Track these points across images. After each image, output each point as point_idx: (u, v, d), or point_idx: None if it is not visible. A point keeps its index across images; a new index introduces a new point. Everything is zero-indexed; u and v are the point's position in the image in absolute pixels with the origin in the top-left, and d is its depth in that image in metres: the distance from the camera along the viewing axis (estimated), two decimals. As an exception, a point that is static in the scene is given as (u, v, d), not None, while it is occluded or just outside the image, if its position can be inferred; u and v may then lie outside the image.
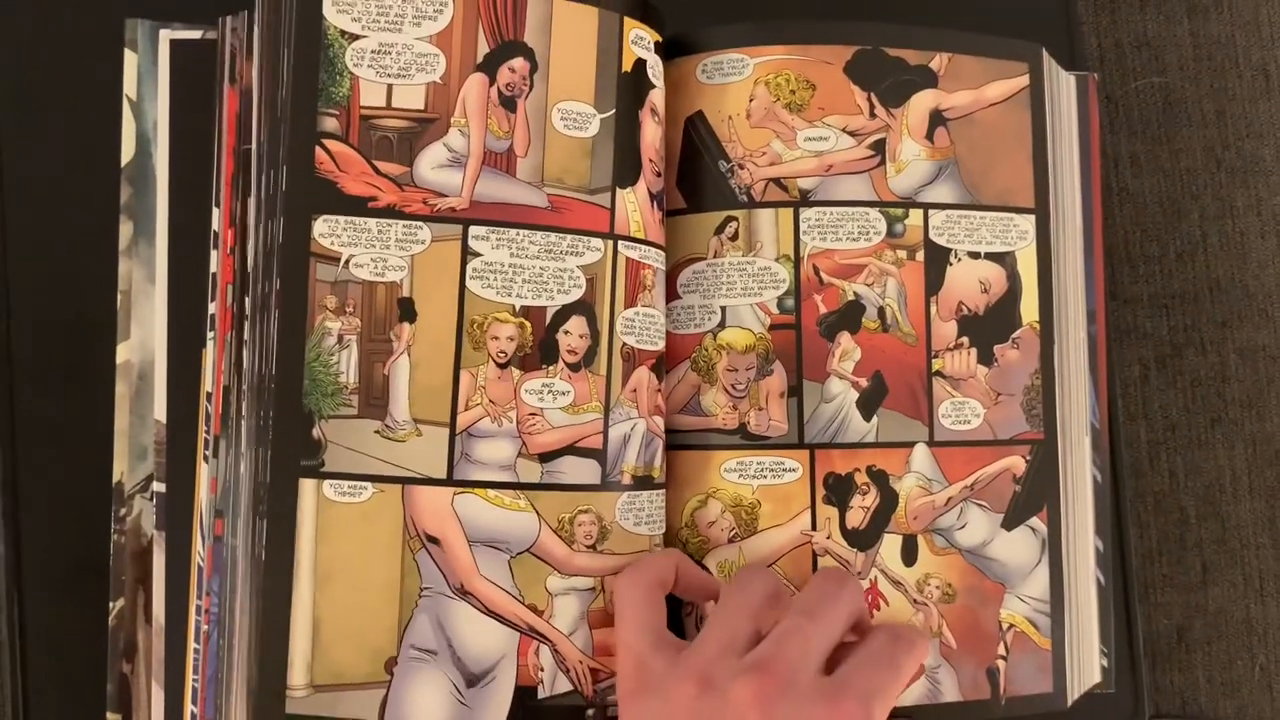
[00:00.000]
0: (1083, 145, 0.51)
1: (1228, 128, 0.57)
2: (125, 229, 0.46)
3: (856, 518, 0.46)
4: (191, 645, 0.43)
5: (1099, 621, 0.49)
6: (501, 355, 0.42)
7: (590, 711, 0.41)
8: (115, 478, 0.45)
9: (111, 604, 0.44)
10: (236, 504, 0.42)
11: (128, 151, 0.46)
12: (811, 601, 0.39)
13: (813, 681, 0.36)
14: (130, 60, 0.46)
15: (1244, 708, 0.54)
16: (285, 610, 0.41)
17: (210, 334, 0.44)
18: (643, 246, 0.45)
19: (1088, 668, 0.49)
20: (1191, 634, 0.54)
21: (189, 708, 0.43)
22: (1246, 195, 0.57)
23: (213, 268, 0.44)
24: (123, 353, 0.45)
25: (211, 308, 0.44)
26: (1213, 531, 0.55)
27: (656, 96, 0.46)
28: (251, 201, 0.43)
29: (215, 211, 0.44)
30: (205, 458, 0.43)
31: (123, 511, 0.45)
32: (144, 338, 0.45)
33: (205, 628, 0.42)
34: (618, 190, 0.44)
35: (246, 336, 0.43)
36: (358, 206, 0.42)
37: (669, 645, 0.40)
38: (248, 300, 0.43)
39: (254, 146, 0.43)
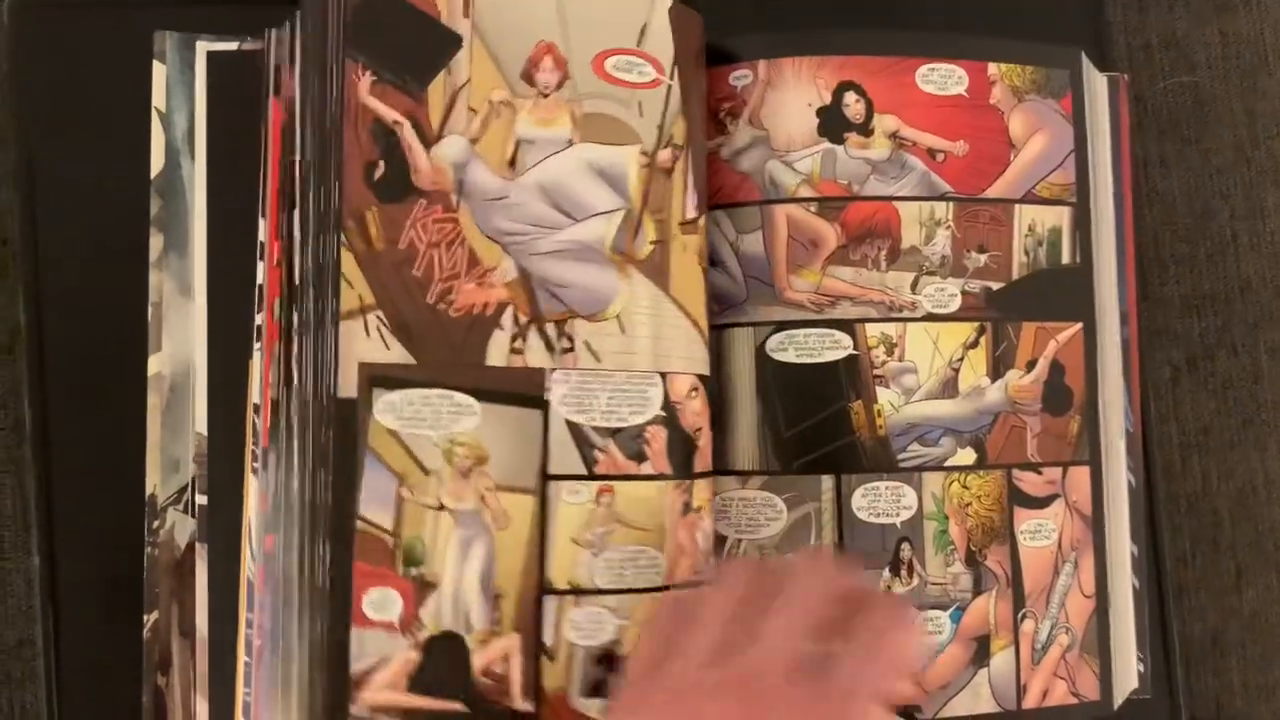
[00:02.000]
0: (1114, 146, 0.50)
1: (1258, 127, 0.57)
2: (155, 241, 0.46)
3: None
4: (241, 658, 0.43)
5: (1135, 626, 0.49)
6: None
7: None
8: (148, 490, 0.45)
9: (146, 617, 0.44)
10: (290, 522, 0.42)
11: (157, 163, 0.46)
12: (844, 616, 0.37)
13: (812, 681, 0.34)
14: (159, 72, 0.46)
15: (1280, 712, 0.54)
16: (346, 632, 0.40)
17: (257, 345, 0.44)
18: None
19: (1125, 674, 0.48)
20: (1226, 637, 0.54)
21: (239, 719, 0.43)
22: (1278, 194, 0.57)
23: (259, 279, 0.44)
24: (154, 364, 0.45)
25: (258, 319, 0.44)
26: (1246, 534, 0.55)
27: None
28: (296, 214, 0.43)
29: (261, 223, 0.44)
30: (254, 470, 0.43)
31: (156, 524, 0.45)
32: (175, 349, 0.45)
33: (258, 642, 0.42)
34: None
35: (296, 351, 0.42)
36: None
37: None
38: (296, 314, 0.42)
39: (298, 159, 0.43)
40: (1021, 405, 0.47)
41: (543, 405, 0.42)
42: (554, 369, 0.42)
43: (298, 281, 0.42)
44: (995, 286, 0.47)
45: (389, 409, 0.41)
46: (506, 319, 0.42)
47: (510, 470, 0.42)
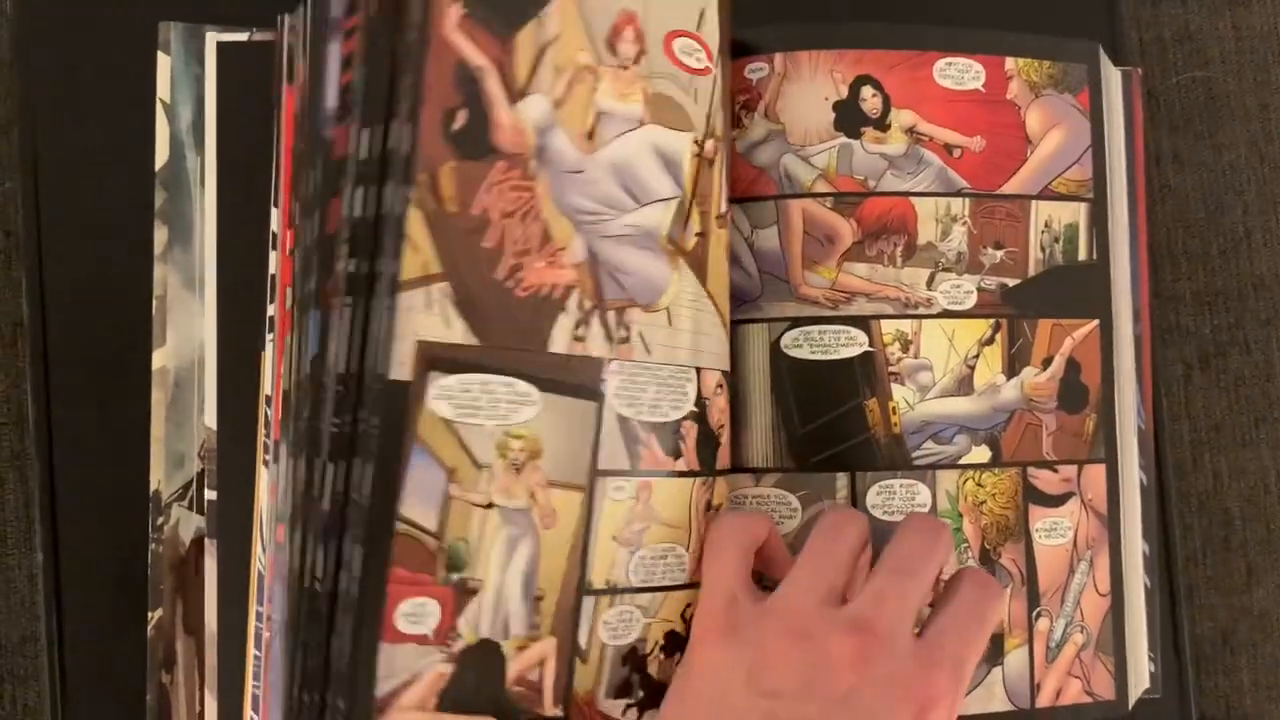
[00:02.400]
0: (1127, 141, 0.50)
1: (1271, 121, 0.56)
2: (160, 234, 0.45)
3: None
4: (251, 652, 0.43)
5: (1147, 626, 0.49)
6: None
7: None
8: (152, 486, 0.44)
9: (150, 614, 0.44)
10: (311, 520, 0.41)
11: (161, 156, 0.45)
12: (908, 559, 0.39)
13: (909, 644, 0.36)
14: (163, 63, 0.45)
15: (1291, 711, 0.54)
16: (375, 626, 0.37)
17: (269, 336, 0.43)
18: None
19: (1139, 674, 0.48)
20: (1236, 637, 0.54)
21: (249, 714, 0.43)
22: (1291, 191, 0.56)
23: (271, 269, 0.43)
24: (159, 359, 0.45)
25: (270, 309, 0.43)
26: (1257, 533, 0.54)
27: None
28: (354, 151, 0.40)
29: (274, 212, 0.43)
30: (265, 463, 0.42)
31: (160, 520, 0.44)
32: (180, 344, 0.45)
33: (267, 635, 0.41)
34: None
35: (340, 320, 0.40)
36: None
37: (758, 593, 0.39)
38: (330, 278, 0.40)
39: (329, 104, 0.41)
40: (1037, 403, 0.47)
41: (599, 397, 0.39)
42: (611, 359, 0.40)
43: (347, 237, 0.37)
44: (1011, 283, 0.47)
45: (444, 395, 0.37)
46: (572, 303, 0.39)
47: (563, 465, 0.39)
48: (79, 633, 0.44)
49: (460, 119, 0.37)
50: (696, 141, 0.42)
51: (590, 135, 0.40)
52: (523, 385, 0.38)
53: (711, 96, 0.43)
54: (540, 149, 0.39)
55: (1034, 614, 0.46)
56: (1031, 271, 0.47)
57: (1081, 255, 0.48)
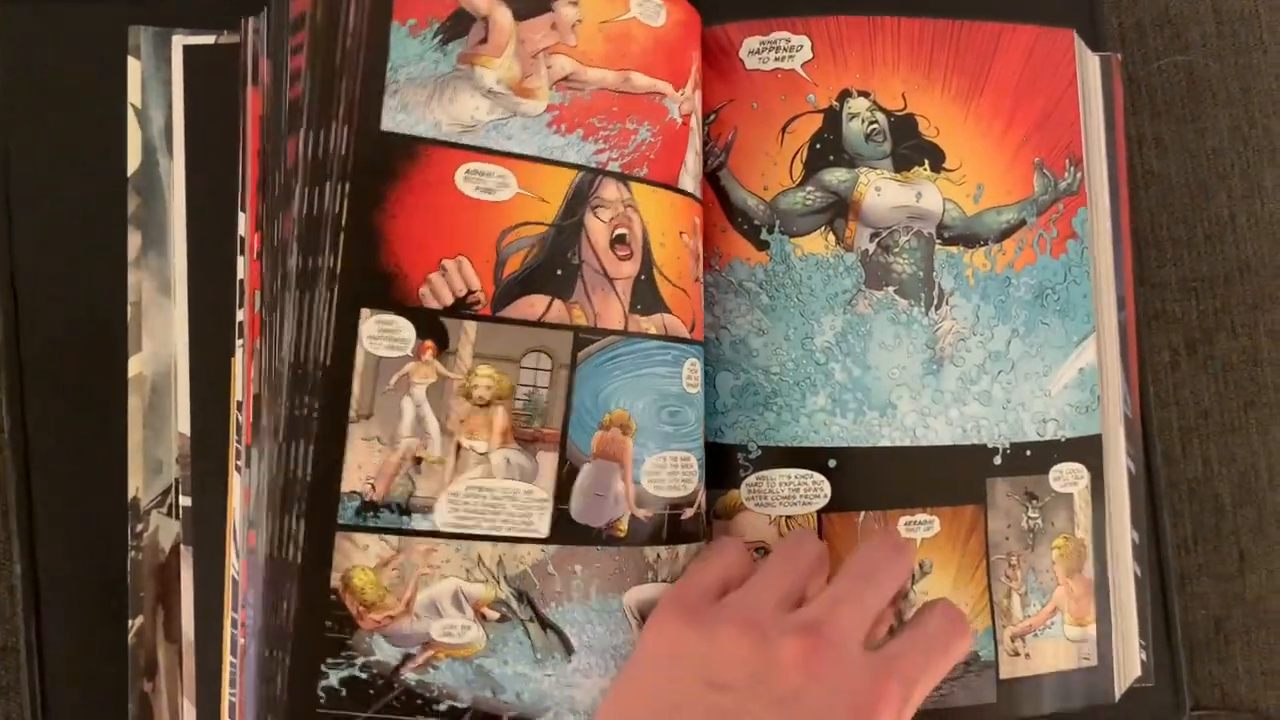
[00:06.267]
0: (1108, 127, 0.50)
1: (1254, 105, 0.56)
2: (134, 239, 0.45)
3: None
4: (227, 659, 0.42)
5: (1137, 614, 0.48)
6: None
7: None
8: (131, 493, 0.44)
9: (130, 622, 0.43)
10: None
11: (134, 160, 0.45)
12: (866, 567, 0.39)
13: (860, 653, 0.36)
14: (134, 67, 0.45)
15: (1286, 697, 0.53)
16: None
17: (239, 341, 0.43)
18: None
19: (1129, 661, 0.48)
20: (1229, 624, 0.53)
21: (225, 722, 0.42)
22: (1275, 174, 0.56)
23: (240, 274, 0.43)
24: (135, 365, 0.44)
25: (240, 315, 0.43)
26: (1248, 519, 0.54)
27: None
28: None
29: (241, 216, 0.43)
30: (238, 468, 0.42)
31: (139, 528, 0.44)
32: (157, 349, 0.44)
33: (242, 642, 0.41)
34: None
35: (279, 329, 0.41)
36: None
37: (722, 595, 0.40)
38: (280, 289, 0.41)
39: (284, 116, 0.41)
40: None
41: None
42: None
43: (297, 234, 0.40)
44: (991, 271, 0.47)
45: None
46: None
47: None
48: (59, 643, 0.44)
49: None
50: None
51: None
52: None
53: None
54: None
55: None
56: (1012, 258, 0.47)
57: (1062, 242, 0.48)
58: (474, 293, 0.40)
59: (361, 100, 0.40)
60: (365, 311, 0.39)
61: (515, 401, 0.40)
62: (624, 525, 0.41)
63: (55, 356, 0.45)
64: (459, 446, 0.40)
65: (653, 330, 0.42)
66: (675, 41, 0.43)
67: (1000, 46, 0.47)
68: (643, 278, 0.42)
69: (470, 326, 0.40)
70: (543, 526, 0.40)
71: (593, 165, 0.41)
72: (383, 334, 0.39)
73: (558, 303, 0.41)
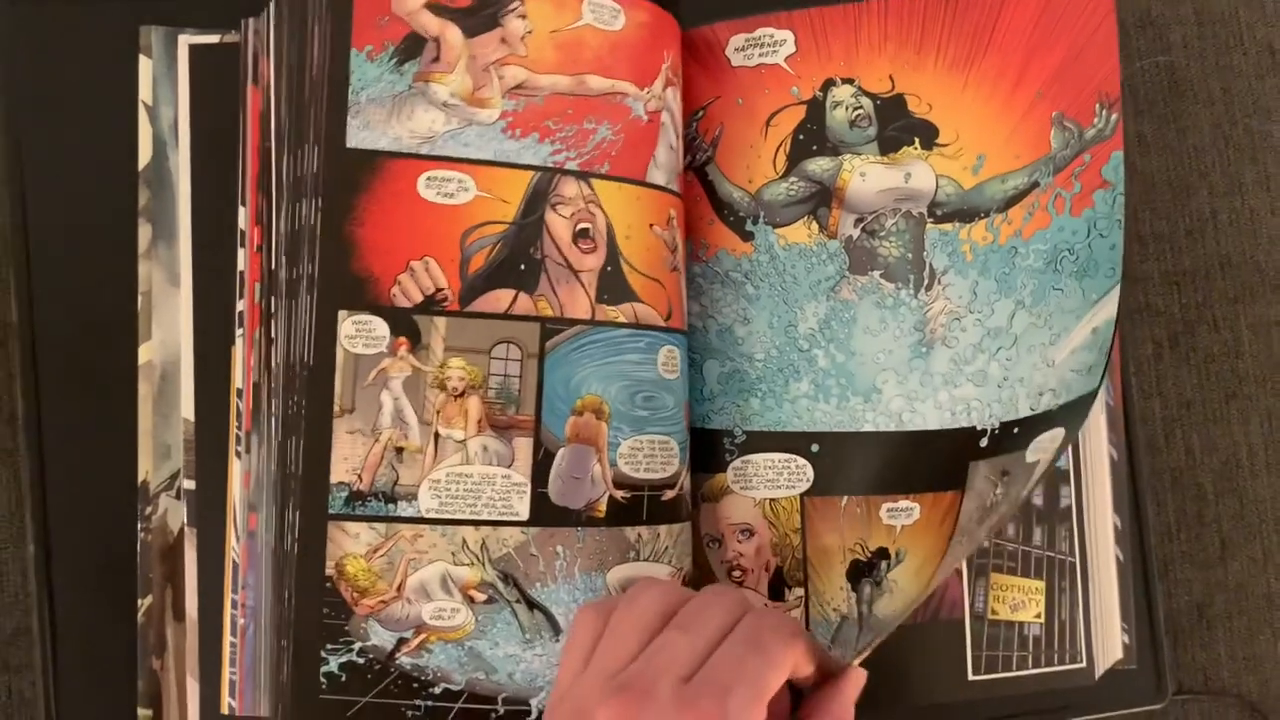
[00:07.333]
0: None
1: (1234, 104, 0.57)
2: (144, 232, 0.46)
3: None
4: (228, 639, 0.44)
5: (1119, 598, 0.49)
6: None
7: None
8: (140, 477, 0.45)
9: (140, 601, 0.45)
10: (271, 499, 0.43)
11: (144, 155, 0.47)
12: (687, 615, 0.38)
13: (671, 691, 0.35)
14: (145, 66, 0.47)
15: (1267, 682, 0.54)
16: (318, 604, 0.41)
17: (239, 331, 0.45)
18: None
19: (1110, 644, 0.49)
20: (1212, 610, 0.54)
21: (226, 700, 0.44)
22: (1255, 171, 0.57)
23: (240, 265, 0.45)
24: (144, 353, 0.46)
25: (240, 305, 0.45)
26: (1230, 507, 0.55)
27: None
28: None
29: (241, 210, 0.45)
30: (238, 454, 0.44)
31: (149, 510, 0.45)
32: (165, 338, 0.46)
33: (242, 622, 0.42)
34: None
35: (275, 333, 0.43)
36: None
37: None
38: (274, 298, 0.43)
39: (273, 142, 0.44)
40: None
41: None
42: None
43: (274, 265, 0.42)
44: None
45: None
46: None
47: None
48: (71, 623, 0.45)
49: None
50: None
51: None
52: None
53: None
54: None
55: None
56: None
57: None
58: (441, 290, 0.42)
59: (329, 122, 0.42)
60: (343, 313, 0.41)
61: (488, 390, 0.42)
62: (603, 506, 0.43)
63: (69, 345, 0.46)
64: (437, 435, 0.42)
65: (622, 319, 0.43)
66: (638, 43, 0.45)
67: (1007, 3, 0.46)
68: (609, 269, 0.43)
69: (440, 322, 0.42)
70: (522, 509, 0.42)
71: (549, 165, 0.43)
72: (359, 333, 0.41)
73: (523, 296, 0.42)
